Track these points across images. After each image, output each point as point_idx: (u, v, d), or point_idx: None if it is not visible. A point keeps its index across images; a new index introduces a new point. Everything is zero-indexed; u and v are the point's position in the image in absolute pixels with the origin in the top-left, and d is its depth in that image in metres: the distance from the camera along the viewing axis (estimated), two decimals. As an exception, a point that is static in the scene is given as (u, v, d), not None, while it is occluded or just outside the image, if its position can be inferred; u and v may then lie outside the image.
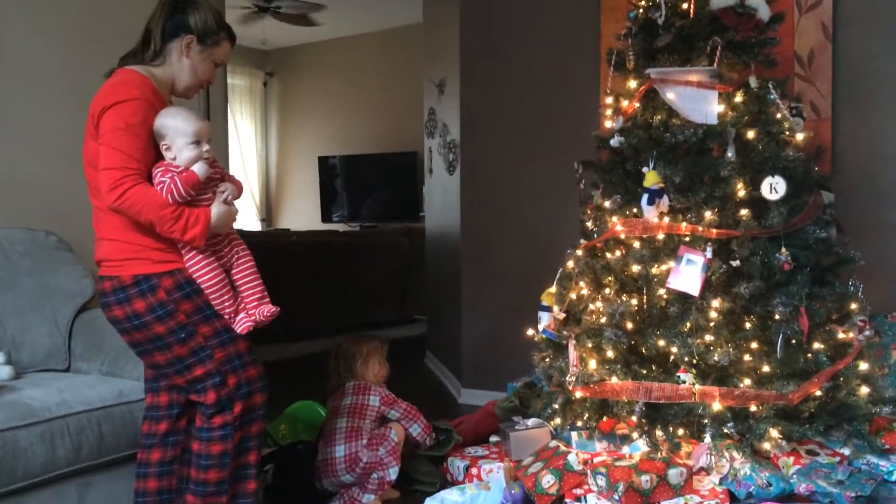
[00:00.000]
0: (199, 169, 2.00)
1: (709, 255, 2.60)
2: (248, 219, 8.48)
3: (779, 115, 2.76)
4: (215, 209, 2.04)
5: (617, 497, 2.40)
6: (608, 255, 2.89)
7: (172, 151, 2.01)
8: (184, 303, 2.03)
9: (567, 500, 2.51)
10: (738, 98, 2.76)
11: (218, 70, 2.33)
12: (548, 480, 2.55)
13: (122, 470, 2.29)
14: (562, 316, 2.97)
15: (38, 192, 3.02)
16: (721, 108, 2.72)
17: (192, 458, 2.11)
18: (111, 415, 2.24)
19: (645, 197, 2.71)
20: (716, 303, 2.61)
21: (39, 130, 3.02)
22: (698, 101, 2.73)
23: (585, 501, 2.48)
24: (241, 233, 6.02)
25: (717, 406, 2.54)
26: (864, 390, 2.61)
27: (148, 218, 1.95)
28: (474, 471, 2.84)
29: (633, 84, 2.93)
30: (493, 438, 3.14)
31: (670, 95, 2.78)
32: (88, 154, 2.11)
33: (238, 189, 2.17)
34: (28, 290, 2.65)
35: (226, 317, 2.09)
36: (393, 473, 2.67)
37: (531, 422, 2.96)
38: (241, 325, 2.10)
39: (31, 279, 2.67)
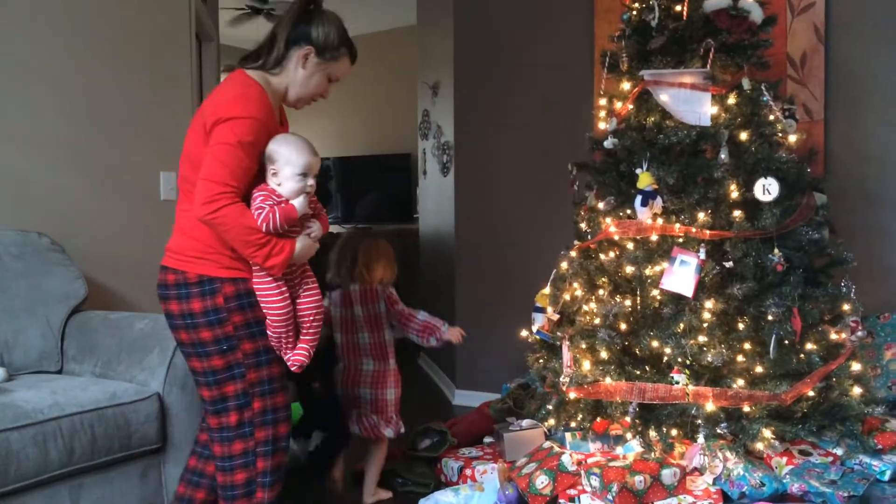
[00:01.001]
0: (299, 204, 2.01)
1: (702, 256, 2.61)
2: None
3: (772, 117, 2.77)
4: (300, 243, 2.04)
5: (611, 497, 2.41)
6: (602, 256, 2.89)
7: (279, 178, 2.02)
8: (236, 314, 2.04)
9: (561, 500, 2.52)
10: (732, 100, 2.77)
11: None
12: (542, 481, 2.55)
13: (115, 472, 2.28)
14: (556, 317, 2.97)
15: (31, 194, 3.01)
16: (714, 109, 2.73)
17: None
18: (104, 417, 2.23)
19: (638, 198, 2.72)
20: (709, 304, 2.62)
21: (33, 131, 3.01)
22: (691, 102, 2.74)
23: (579, 502, 2.49)
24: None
25: (710, 406, 2.55)
26: (857, 391, 2.62)
27: (234, 238, 1.97)
28: (468, 472, 2.84)
29: (626, 86, 2.94)
30: (487, 439, 3.14)
31: (664, 97, 2.79)
32: (191, 149, 2.08)
33: (325, 227, 2.16)
34: (21, 292, 2.64)
35: (282, 346, 2.09)
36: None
37: (525, 423, 2.96)
38: (295, 360, 2.09)
39: (23, 281, 2.66)
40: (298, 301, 2.11)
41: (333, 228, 7.63)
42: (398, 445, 3.12)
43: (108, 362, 2.54)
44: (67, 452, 2.14)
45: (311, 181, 2.04)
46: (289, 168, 2.01)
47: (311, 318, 2.12)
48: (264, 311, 2.06)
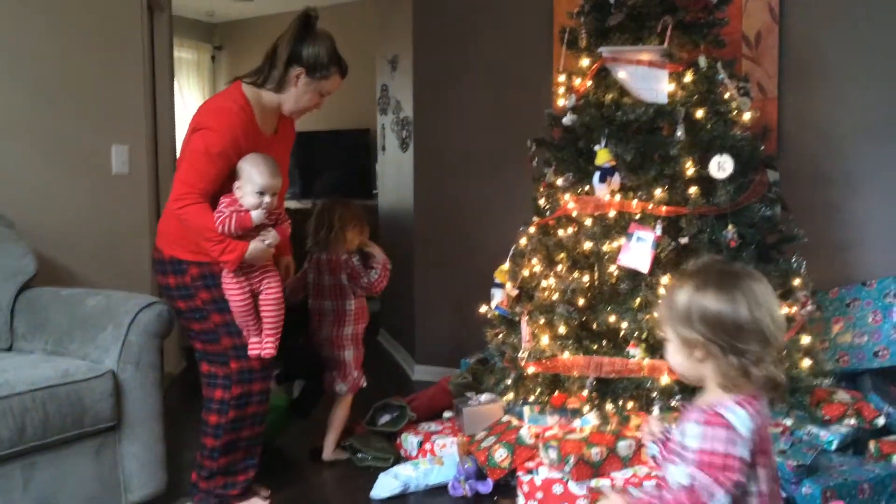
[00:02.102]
0: (255, 216, 2.31)
1: (658, 232, 2.64)
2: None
3: (727, 95, 2.81)
4: (252, 245, 2.34)
5: (567, 469, 2.44)
6: (560, 232, 2.91)
7: (241, 192, 2.33)
8: (202, 291, 2.39)
9: (519, 472, 2.55)
10: (688, 78, 2.80)
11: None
12: (500, 454, 2.58)
13: (69, 451, 2.24)
14: (514, 293, 2.99)
15: (-24, 167, 2.92)
16: (671, 87, 2.76)
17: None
18: (56, 394, 2.19)
19: (597, 175, 2.74)
20: (665, 279, 2.66)
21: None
22: (649, 80, 2.76)
23: (537, 474, 2.52)
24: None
25: (665, 379, 2.60)
26: (806, 363, 2.69)
27: (195, 232, 2.32)
28: (428, 446, 2.86)
29: (585, 62, 2.95)
30: (447, 414, 3.16)
31: (622, 74, 2.80)
32: (182, 151, 2.41)
33: (283, 236, 2.45)
34: (-34, 268, 2.56)
35: (247, 332, 2.41)
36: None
37: (484, 397, 2.99)
38: (251, 349, 2.41)
39: (-31, 256, 2.58)
40: (260, 297, 2.42)
41: (292, 204, 7.56)
42: (357, 420, 3.13)
43: (59, 340, 2.49)
44: (18, 431, 2.09)
45: (267, 199, 2.32)
46: (249, 185, 2.31)
47: (271, 313, 2.42)
48: (228, 300, 2.38)
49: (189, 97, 8.17)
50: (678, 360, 1.33)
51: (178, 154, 4.18)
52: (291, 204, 7.74)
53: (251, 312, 2.40)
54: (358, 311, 3.00)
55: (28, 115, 3.07)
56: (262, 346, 2.40)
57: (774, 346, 1.23)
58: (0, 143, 2.98)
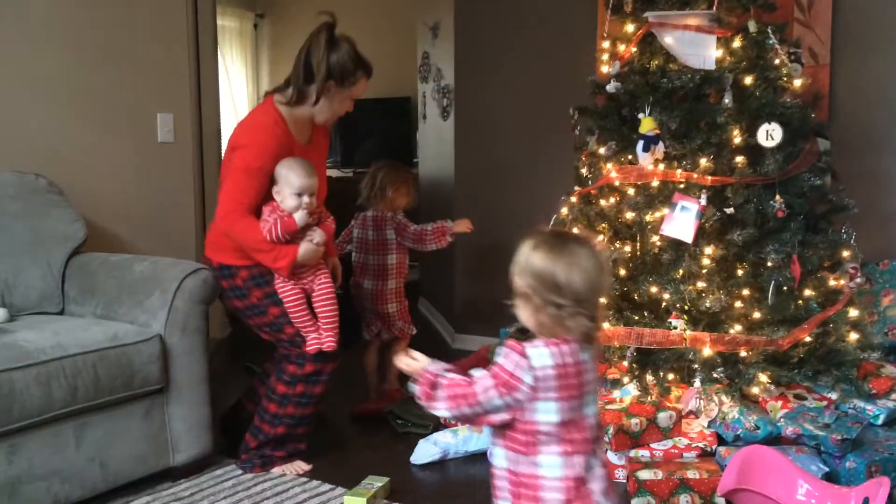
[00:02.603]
0: (298, 217, 2.40)
1: (703, 202, 2.60)
2: (239, 164, 8.41)
3: (777, 61, 2.73)
4: (302, 247, 2.43)
5: (607, 439, 2.45)
6: (602, 202, 2.88)
7: (280, 196, 2.42)
8: (255, 290, 2.50)
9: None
10: (737, 43, 2.73)
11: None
12: (539, 423, 2.59)
13: (119, 411, 2.31)
14: (555, 262, 2.97)
15: (28, 135, 2.98)
16: (719, 53, 2.69)
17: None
18: (106, 357, 2.25)
19: (640, 143, 2.70)
20: (709, 250, 2.62)
21: (29, 72, 2.97)
22: (696, 45, 2.69)
23: (576, 444, 2.52)
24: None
25: (707, 351, 2.57)
26: (854, 336, 2.64)
27: (246, 246, 2.44)
28: (467, 414, 2.88)
29: (630, 28, 2.89)
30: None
31: (668, 40, 2.74)
32: (223, 170, 2.55)
33: (328, 233, 2.54)
34: (19, 234, 2.63)
35: (305, 329, 2.47)
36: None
37: (523, 366, 2.99)
38: (309, 345, 2.46)
39: (21, 222, 2.65)
40: (313, 295, 2.50)
41: (333, 172, 7.61)
42: (398, 388, 3.17)
43: (109, 304, 2.55)
44: (71, 392, 2.16)
45: (306, 199, 2.41)
46: (287, 188, 2.40)
47: (327, 309, 2.49)
48: (283, 301, 2.47)
49: (232, 66, 8.22)
50: (520, 310, 1.49)
51: (221, 128, 4.23)
52: (333, 173, 7.79)
53: (306, 312, 2.48)
54: (399, 265, 3.17)
55: (75, 85, 3.12)
56: (322, 340, 2.46)
57: (589, 304, 1.41)
58: (48, 113, 3.04)
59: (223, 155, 2.55)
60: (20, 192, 2.70)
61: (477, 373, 1.48)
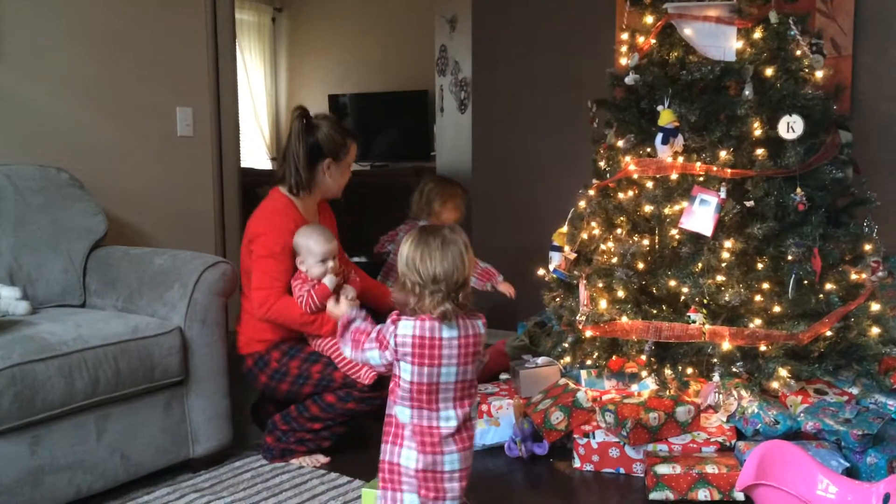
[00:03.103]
0: (328, 282, 2.47)
1: (723, 195, 2.58)
2: (258, 157, 8.45)
3: (798, 52, 2.70)
4: (342, 307, 2.35)
5: (625, 433, 2.44)
6: (620, 195, 2.87)
7: (305, 265, 2.50)
8: (291, 362, 2.54)
9: (575, 435, 2.56)
10: (758, 34, 2.70)
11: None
12: (557, 417, 2.59)
13: (140, 403, 2.33)
14: (573, 256, 2.96)
15: (50, 129, 3.01)
16: (739, 44, 2.66)
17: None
18: (127, 350, 2.27)
19: (659, 136, 2.68)
20: (728, 243, 2.60)
21: (51, 67, 3.00)
22: (716, 37, 2.67)
23: (594, 437, 2.52)
24: (252, 171, 5.96)
25: (726, 346, 2.56)
26: (875, 331, 2.61)
27: (291, 324, 2.52)
28: (484, 407, 2.88)
29: (649, 19, 2.86)
30: (504, 376, 3.18)
31: (688, 31, 2.71)
32: (243, 262, 2.63)
33: (356, 286, 2.61)
34: (41, 227, 2.66)
35: (350, 373, 2.49)
36: None
37: (541, 360, 2.99)
38: (365, 378, 2.48)
39: (43, 215, 2.68)
40: None
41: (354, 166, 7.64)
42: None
43: (129, 297, 2.58)
44: (92, 383, 2.18)
45: (330, 263, 2.48)
46: (311, 257, 2.48)
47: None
48: (326, 354, 2.54)
49: (250, 60, 8.25)
50: (397, 291, 1.79)
51: (239, 122, 4.25)
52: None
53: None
54: None
55: (96, 80, 3.15)
56: (361, 376, 2.49)
57: (447, 286, 1.70)
58: (70, 107, 3.07)
59: (241, 245, 2.65)
60: (42, 185, 2.73)
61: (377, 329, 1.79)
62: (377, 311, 2.84)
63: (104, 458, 2.24)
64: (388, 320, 1.76)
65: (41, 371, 2.08)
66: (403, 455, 1.74)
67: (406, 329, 1.72)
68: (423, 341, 1.71)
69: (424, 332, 1.71)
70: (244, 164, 4.77)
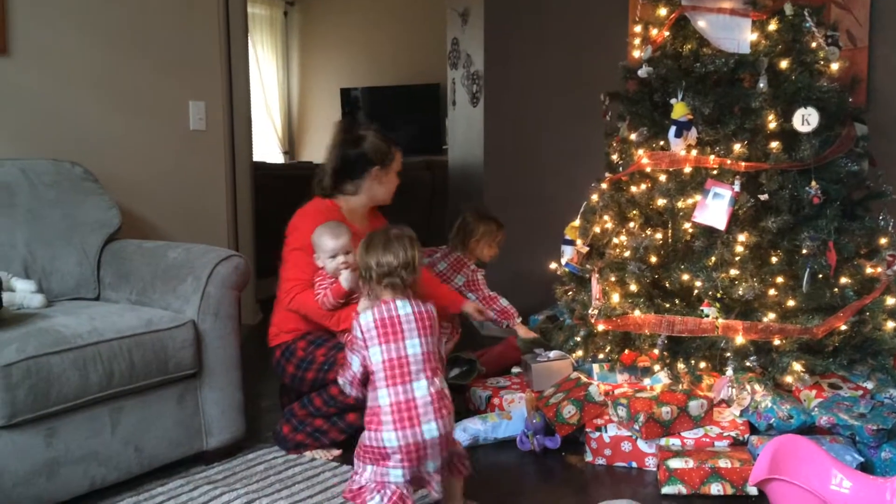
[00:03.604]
0: (343, 280, 2.48)
1: (737, 188, 2.57)
2: (270, 152, 8.46)
3: (814, 44, 2.68)
4: (360, 304, 2.41)
5: (637, 427, 2.43)
6: (633, 188, 2.86)
7: (320, 262, 2.54)
8: (317, 350, 2.57)
9: (588, 429, 2.55)
10: (772, 26, 2.68)
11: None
12: (569, 411, 2.58)
13: (153, 396, 2.34)
14: (585, 250, 2.96)
15: (64, 123, 3.03)
16: (754, 36, 2.64)
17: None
18: (141, 342, 2.29)
19: (672, 129, 2.66)
20: (742, 237, 2.59)
21: (65, 61, 3.01)
22: (731, 29, 2.65)
23: (606, 431, 2.52)
24: (264, 165, 5.97)
25: (739, 340, 2.54)
26: (891, 325, 2.59)
27: (311, 316, 2.57)
28: (496, 401, 2.89)
29: (662, 11, 2.84)
30: (515, 370, 3.18)
31: (702, 23, 2.70)
32: (282, 256, 2.68)
33: None
34: (56, 221, 2.68)
35: None
36: None
37: (553, 354, 2.99)
38: None
39: (58, 209, 2.70)
40: None
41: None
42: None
43: (143, 290, 2.59)
44: (107, 376, 2.20)
45: (341, 258, 2.50)
46: (322, 254, 2.52)
47: None
48: None
49: (262, 54, 8.26)
50: (355, 281, 2.13)
51: (251, 116, 4.27)
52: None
53: None
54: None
55: (109, 74, 3.16)
56: None
57: (387, 270, 1.95)
58: (82, 100, 3.09)
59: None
60: (56, 179, 2.75)
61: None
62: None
63: (118, 451, 2.25)
64: (353, 318, 1.99)
65: (56, 364, 2.09)
66: (385, 438, 1.87)
67: (367, 317, 1.95)
68: (384, 321, 1.94)
69: (382, 313, 1.95)
70: (256, 157, 4.79)
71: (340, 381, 2.03)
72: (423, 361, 1.94)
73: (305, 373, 2.58)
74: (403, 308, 1.97)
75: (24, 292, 2.43)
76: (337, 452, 2.61)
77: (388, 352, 1.92)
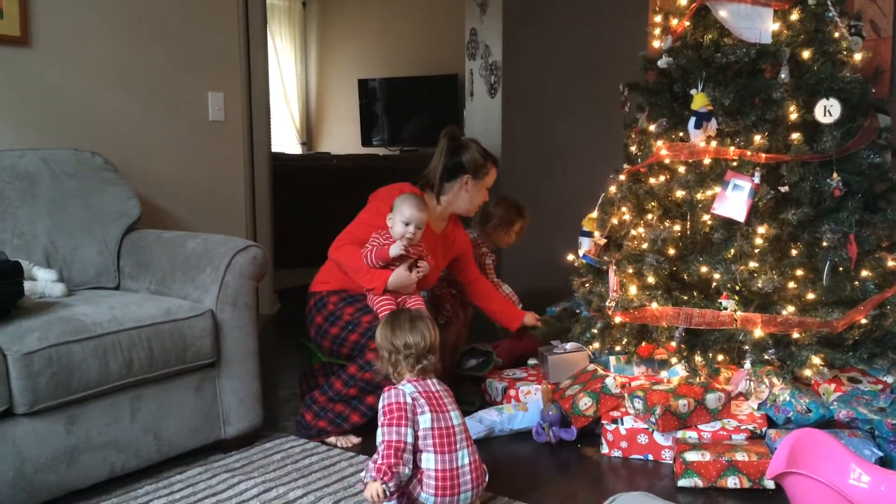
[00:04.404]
0: (394, 247, 2.54)
1: (757, 180, 2.54)
2: (288, 142, 8.49)
3: (836, 34, 2.65)
4: (395, 276, 2.56)
5: (654, 420, 2.43)
6: (652, 180, 2.84)
7: (391, 222, 2.60)
8: (347, 307, 2.65)
9: (604, 421, 2.55)
10: (794, 16, 2.65)
11: None
12: (585, 403, 2.58)
13: (172, 384, 2.36)
14: (603, 241, 2.95)
15: (84, 113, 3.05)
16: (776, 26, 2.61)
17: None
18: (160, 332, 2.31)
19: (692, 120, 2.64)
20: (762, 229, 2.57)
21: (85, 52, 3.03)
22: (752, 18, 2.62)
23: (622, 423, 2.51)
24: (282, 156, 5.99)
25: (758, 333, 2.53)
26: (911, 319, 2.56)
27: (347, 267, 2.64)
28: (512, 392, 2.89)
29: (683, 1, 2.82)
30: (532, 361, 3.18)
31: (723, 13, 2.67)
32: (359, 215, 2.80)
33: (431, 266, 2.69)
34: (76, 210, 2.70)
35: None
36: None
37: (570, 346, 2.98)
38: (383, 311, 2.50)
39: (78, 199, 2.72)
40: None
41: (380, 151, 7.64)
42: (444, 364, 3.18)
43: (162, 280, 2.61)
44: (126, 364, 2.22)
45: (411, 229, 2.55)
46: (398, 215, 2.57)
47: None
48: (376, 309, 2.58)
49: (281, 45, 8.28)
50: (380, 362, 2.14)
51: (270, 107, 4.28)
52: (380, 151, 7.84)
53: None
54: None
55: (129, 65, 3.18)
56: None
57: (415, 352, 2.06)
58: (102, 91, 3.11)
59: None
60: (77, 169, 2.77)
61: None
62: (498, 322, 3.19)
63: (138, 438, 2.28)
64: (385, 393, 2.03)
65: (77, 352, 2.12)
66: (423, 496, 1.99)
67: (410, 388, 2.03)
68: (428, 394, 2.04)
69: (422, 387, 2.05)
70: (275, 148, 4.80)
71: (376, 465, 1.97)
72: (464, 431, 2.05)
73: (331, 327, 2.65)
74: (436, 384, 2.08)
75: (45, 281, 2.46)
76: (356, 440, 2.62)
77: (437, 420, 2.00)
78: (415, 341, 2.05)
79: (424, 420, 1.99)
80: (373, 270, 2.57)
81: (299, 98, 8.63)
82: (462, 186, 2.85)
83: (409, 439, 1.96)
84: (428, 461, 1.98)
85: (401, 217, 2.56)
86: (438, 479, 1.96)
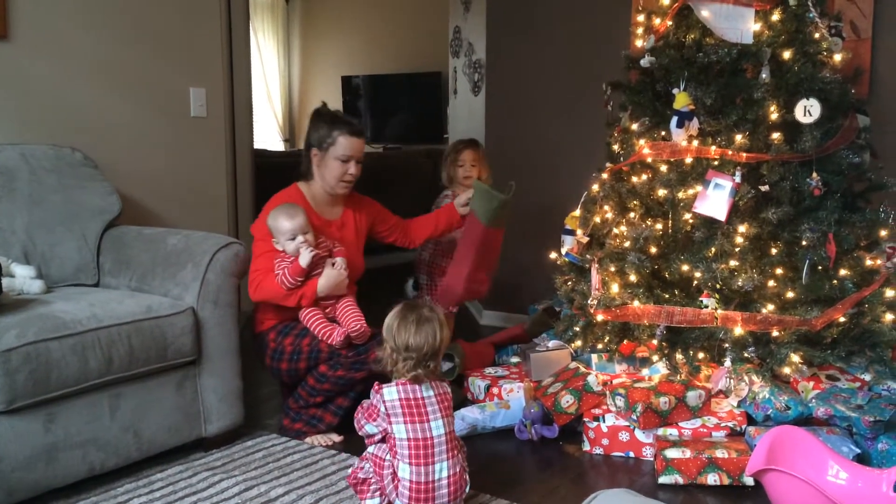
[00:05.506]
0: (302, 258, 2.51)
1: (737, 179, 2.56)
2: (271, 139, 8.45)
3: (817, 35, 2.66)
4: (323, 280, 2.55)
5: (635, 417, 2.44)
6: (634, 178, 2.85)
7: (280, 245, 2.57)
8: (286, 339, 2.61)
9: (586, 419, 2.56)
10: (776, 16, 2.66)
11: None
12: (567, 400, 2.59)
13: (152, 382, 2.35)
14: (585, 239, 2.95)
15: (64, 109, 3.02)
16: (757, 26, 2.63)
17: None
18: (140, 329, 2.29)
19: (674, 119, 2.66)
20: (742, 228, 2.59)
21: (65, 46, 3.00)
22: (734, 19, 2.63)
23: (604, 421, 2.52)
24: (265, 153, 5.95)
25: (738, 331, 2.54)
26: (889, 317, 2.59)
27: (273, 299, 2.58)
28: (495, 390, 2.89)
29: (666, 1, 2.83)
30: (514, 359, 3.18)
31: (705, 13, 2.68)
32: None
33: (345, 255, 2.67)
34: (56, 206, 2.68)
35: (326, 337, 2.54)
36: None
37: (552, 343, 2.99)
38: (335, 338, 2.52)
39: (58, 195, 2.69)
40: (337, 313, 2.63)
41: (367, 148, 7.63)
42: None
43: (142, 276, 2.59)
44: (106, 362, 2.20)
45: (301, 238, 2.52)
46: (281, 236, 2.55)
47: (348, 310, 2.61)
48: (306, 322, 2.59)
49: (263, 41, 8.23)
50: (381, 352, 2.07)
51: (252, 103, 4.26)
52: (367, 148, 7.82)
53: (325, 322, 2.57)
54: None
55: (109, 60, 3.15)
56: (333, 338, 2.53)
57: (415, 357, 2.00)
58: (83, 86, 3.08)
59: None
60: (56, 165, 2.74)
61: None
62: (449, 229, 3.13)
63: (117, 436, 2.26)
64: (373, 390, 2.02)
65: (55, 349, 2.10)
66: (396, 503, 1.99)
67: (392, 394, 1.99)
68: (409, 402, 1.99)
69: (408, 393, 2.00)
70: (257, 145, 4.78)
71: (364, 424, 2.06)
72: (446, 443, 1.99)
73: (279, 363, 2.62)
74: (426, 391, 2.02)
75: (23, 278, 2.43)
76: (337, 438, 2.62)
77: (413, 431, 1.97)
78: (417, 344, 2.00)
79: (399, 430, 1.97)
80: (298, 290, 2.54)
81: (282, 95, 8.59)
82: (316, 164, 2.72)
83: (373, 432, 2.03)
84: (403, 471, 1.96)
85: (283, 236, 2.53)
86: (412, 490, 1.94)
